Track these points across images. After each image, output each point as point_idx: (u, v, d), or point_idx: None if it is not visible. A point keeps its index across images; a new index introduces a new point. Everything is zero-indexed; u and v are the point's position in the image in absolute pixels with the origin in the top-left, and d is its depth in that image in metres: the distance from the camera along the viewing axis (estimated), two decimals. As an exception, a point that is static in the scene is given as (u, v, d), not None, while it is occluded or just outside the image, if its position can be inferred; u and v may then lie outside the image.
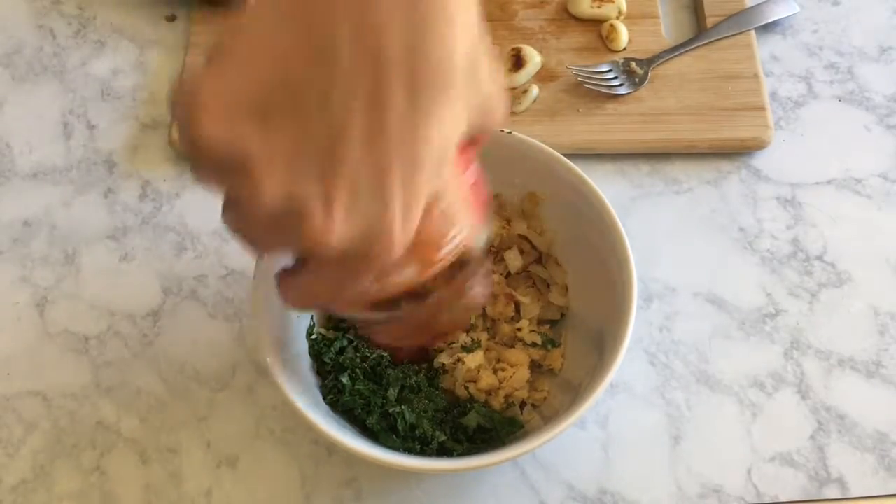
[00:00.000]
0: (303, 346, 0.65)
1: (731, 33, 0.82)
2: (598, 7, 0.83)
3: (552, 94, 0.80)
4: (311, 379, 0.64)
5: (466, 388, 0.65)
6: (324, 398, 0.63)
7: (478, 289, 0.55)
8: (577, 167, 0.65)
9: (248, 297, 0.60)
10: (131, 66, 0.85)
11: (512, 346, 0.67)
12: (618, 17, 0.83)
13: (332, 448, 0.67)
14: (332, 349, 0.65)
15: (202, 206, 0.77)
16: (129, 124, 0.81)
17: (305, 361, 0.65)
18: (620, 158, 0.79)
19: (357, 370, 0.64)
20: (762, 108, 0.78)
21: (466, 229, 0.49)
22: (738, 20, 0.83)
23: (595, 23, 0.84)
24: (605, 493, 0.65)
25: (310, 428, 0.57)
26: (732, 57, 0.81)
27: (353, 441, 0.57)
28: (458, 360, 0.65)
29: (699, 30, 0.84)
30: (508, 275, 0.69)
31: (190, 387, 0.69)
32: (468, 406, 0.64)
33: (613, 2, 0.83)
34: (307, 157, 0.39)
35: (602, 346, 0.62)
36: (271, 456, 0.67)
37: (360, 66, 0.38)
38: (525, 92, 0.79)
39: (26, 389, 0.70)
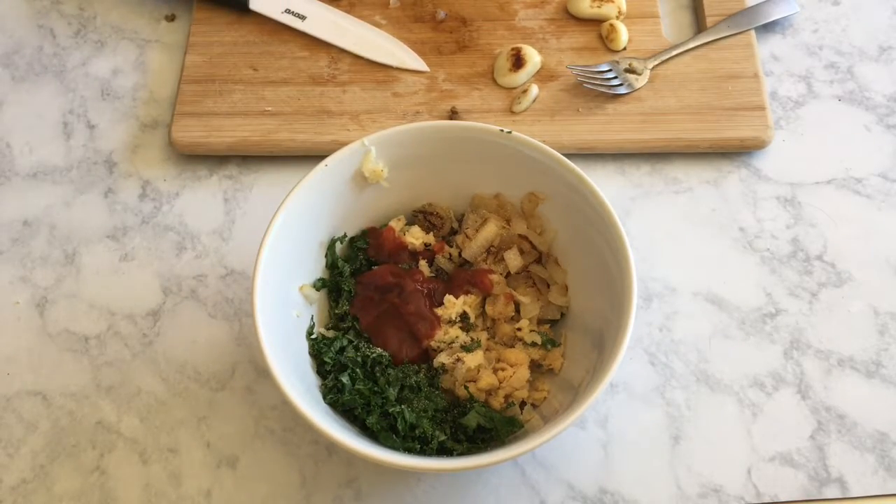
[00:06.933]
0: (303, 345, 0.65)
1: (731, 33, 0.82)
2: (598, 7, 0.83)
3: (552, 94, 0.80)
4: (312, 379, 0.64)
5: (466, 387, 0.65)
6: (324, 398, 0.63)
7: None
8: (577, 167, 0.65)
9: (248, 297, 0.60)
10: (131, 66, 0.85)
11: (512, 346, 0.67)
12: (618, 17, 0.83)
13: (332, 448, 0.67)
14: (333, 349, 0.65)
15: (202, 206, 0.77)
16: (129, 124, 0.81)
17: (305, 361, 0.65)
18: (620, 158, 0.79)
19: (357, 370, 0.64)
20: (762, 108, 0.78)
21: None
22: (738, 20, 0.83)
23: (595, 23, 0.84)
24: (605, 493, 0.65)
25: (310, 428, 0.57)
26: (732, 57, 0.81)
27: (353, 441, 0.57)
28: (458, 359, 0.65)
29: (699, 30, 0.84)
30: (508, 275, 0.69)
31: (190, 387, 0.69)
32: (468, 406, 0.64)
33: (613, 2, 0.83)
34: None
35: (602, 346, 0.62)
36: (271, 456, 0.67)
37: None
38: (525, 92, 0.79)
39: (26, 389, 0.70)
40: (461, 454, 0.62)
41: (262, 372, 0.69)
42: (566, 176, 0.65)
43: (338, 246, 0.69)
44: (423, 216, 0.71)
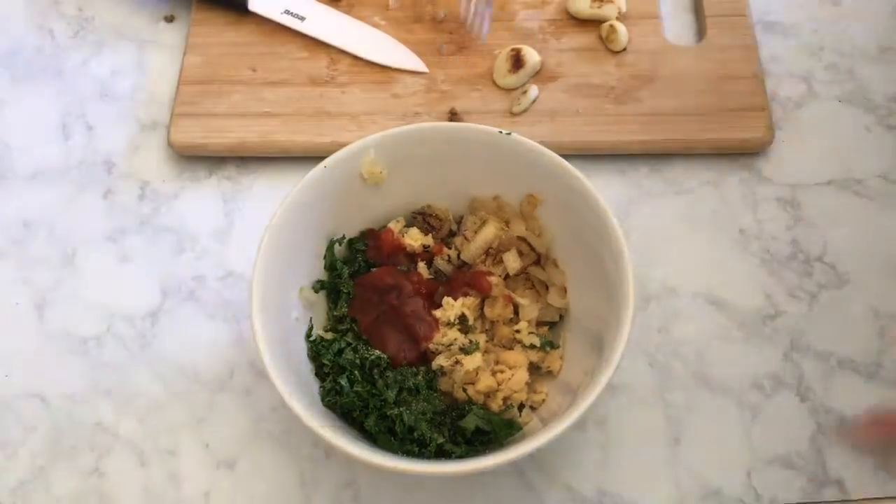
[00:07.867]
0: (301, 347, 0.65)
1: (731, 33, 0.82)
2: (598, 7, 0.83)
3: (552, 94, 0.80)
4: (310, 381, 0.64)
5: (465, 390, 0.65)
6: (322, 400, 0.63)
7: None
8: (575, 169, 0.64)
9: (247, 299, 0.60)
10: (130, 66, 0.84)
11: (510, 348, 0.67)
12: (618, 18, 0.83)
13: (330, 450, 0.67)
14: (331, 351, 0.65)
15: (201, 208, 0.77)
16: (129, 125, 0.81)
17: (304, 363, 0.65)
18: (620, 159, 0.78)
19: (356, 372, 0.64)
20: (762, 109, 0.78)
21: None
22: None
23: (595, 23, 0.84)
24: (604, 495, 0.65)
25: (308, 430, 0.57)
26: (732, 57, 0.81)
27: (351, 444, 0.57)
28: (457, 362, 0.65)
29: (699, 30, 0.84)
30: (507, 276, 0.69)
31: (188, 388, 0.69)
32: (466, 408, 0.64)
33: (613, 2, 0.83)
34: None
35: (601, 348, 0.62)
36: (270, 458, 0.67)
37: None
38: (525, 92, 0.79)
39: (25, 391, 0.70)
40: (459, 457, 0.62)
41: (260, 374, 0.69)
42: (565, 178, 0.65)
43: (336, 248, 0.69)
44: (421, 218, 0.71)
